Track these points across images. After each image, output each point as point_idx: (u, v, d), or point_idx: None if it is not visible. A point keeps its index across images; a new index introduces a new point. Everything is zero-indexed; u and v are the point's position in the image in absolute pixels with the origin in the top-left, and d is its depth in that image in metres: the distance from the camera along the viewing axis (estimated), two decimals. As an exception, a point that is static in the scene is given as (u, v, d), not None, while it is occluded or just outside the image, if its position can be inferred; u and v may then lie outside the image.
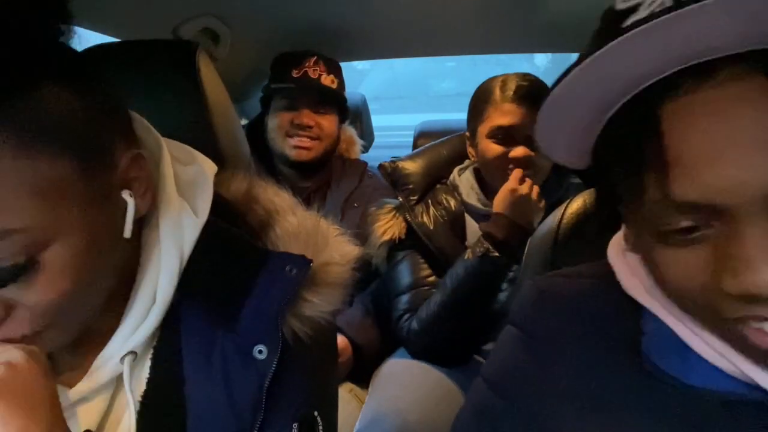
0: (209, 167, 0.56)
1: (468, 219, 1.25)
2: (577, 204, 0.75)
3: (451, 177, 1.30)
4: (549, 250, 0.75)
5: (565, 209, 0.76)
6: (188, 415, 0.48)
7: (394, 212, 1.26)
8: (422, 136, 2.00)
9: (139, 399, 0.49)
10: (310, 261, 0.52)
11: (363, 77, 4.71)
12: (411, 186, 1.29)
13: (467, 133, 1.26)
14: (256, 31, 1.48)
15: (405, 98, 4.78)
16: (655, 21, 0.32)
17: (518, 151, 1.13)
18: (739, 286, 0.34)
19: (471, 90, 1.25)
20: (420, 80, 5.01)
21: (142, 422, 0.48)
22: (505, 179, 1.15)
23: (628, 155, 0.38)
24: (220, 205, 0.55)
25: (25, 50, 0.39)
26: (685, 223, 0.36)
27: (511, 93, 1.14)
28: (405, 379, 1.17)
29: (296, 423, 0.50)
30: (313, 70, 1.43)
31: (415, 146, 1.98)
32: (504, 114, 1.14)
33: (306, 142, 1.44)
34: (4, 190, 0.38)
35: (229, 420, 0.48)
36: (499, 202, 1.12)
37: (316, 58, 1.44)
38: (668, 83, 0.36)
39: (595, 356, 0.48)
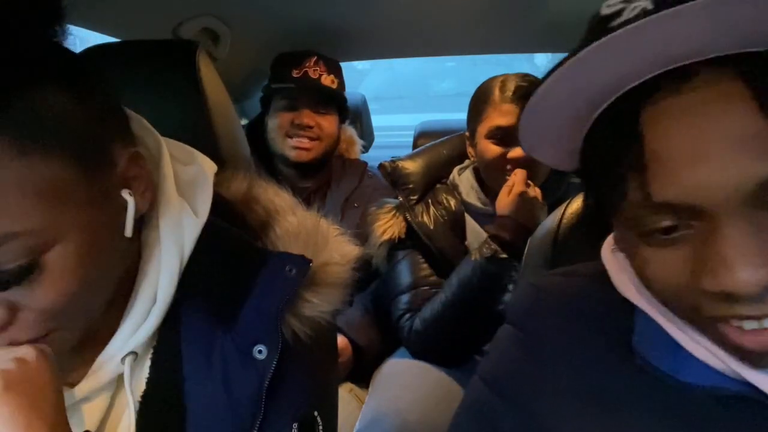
0: (209, 167, 0.56)
1: (468, 219, 1.25)
2: (577, 204, 0.75)
3: (451, 177, 1.30)
4: (549, 250, 0.75)
5: (565, 209, 0.76)
6: (188, 415, 0.48)
7: (394, 212, 1.26)
8: (422, 136, 2.00)
9: (139, 399, 0.49)
10: (310, 261, 0.52)
11: (363, 77, 4.71)
12: (411, 186, 1.29)
13: (467, 133, 1.26)
14: (256, 31, 1.48)
15: (405, 98, 4.78)
16: (630, 25, 0.33)
17: (517, 152, 1.13)
18: (717, 284, 0.35)
19: (471, 90, 1.25)
20: (420, 80, 5.00)
21: (141, 422, 0.48)
22: (503, 179, 1.16)
23: (610, 157, 0.39)
24: (220, 205, 0.55)
25: (21, 52, 0.39)
26: (666, 223, 0.37)
27: (511, 93, 1.14)
28: (405, 379, 1.17)
29: (296, 423, 0.50)
30: (314, 70, 1.43)
31: (415, 146, 1.98)
32: (503, 114, 1.14)
33: (306, 142, 1.44)
34: (5, 192, 0.38)
35: (229, 420, 0.48)
36: (505, 204, 1.12)
37: (316, 58, 1.44)
38: (648, 87, 0.37)
39: (590, 354, 0.48)
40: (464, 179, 1.27)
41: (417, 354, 1.21)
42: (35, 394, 0.41)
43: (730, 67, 0.35)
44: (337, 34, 1.54)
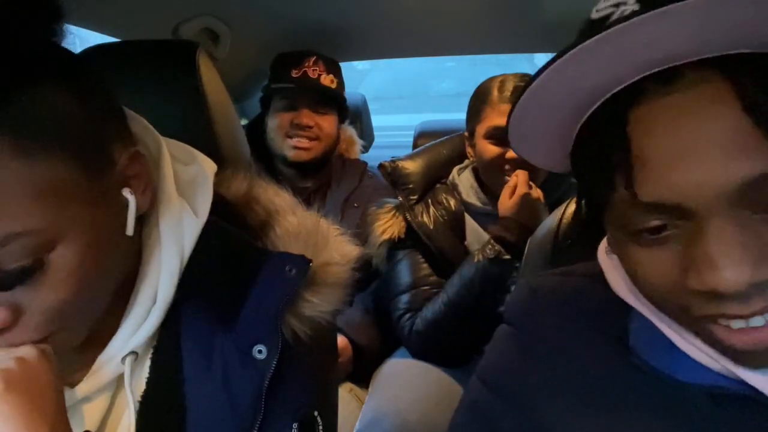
0: (209, 167, 0.56)
1: (468, 218, 1.25)
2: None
3: (451, 176, 1.30)
4: (549, 250, 0.75)
5: (565, 209, 0.76)
6: (188, 414, 0.48)
7: (393, 212, 1.26)
8: (422, 136, 2.00)
9: (139, 399, 0.49)
10: (310, 261, 0.52)
11: (363, 77, 4.71)
12: (411, 186, 1.29)
13: (466, 133, 1.27)
14: (256, 31, 1.48)
15: (405, 98, 4.78)
16: (616, 26, 0.33)
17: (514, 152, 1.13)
18: (703, 283, 0.36)
19: (471, 90, 1.25)
20: (420, 80, 5.00)
21: (141, 422, 0.48)
22: (502, 179, 1.16)
23: (599, 157, 0.40)
24: (220, 205, 0.55)
25: (20, 51, 0.39)
26: (653, 223, 0.38)
27: (509, 94, 1.15)
28: (405, 379, 1.17)
29: (296, 423, 0.50)
30: (313, 69, 1.43)
31: (415, 146, 1.98)
32: (501, 114, 1.14)
33: (305, 142, 1.44)
34: (6, 193, 0.38)
35: (229, 420, 0.48)
36: (508, 205, 1.12)
37: (315, 57, 1.44)
38: (635, 89, 0.38)
39: (588, 353, 0.49)
40: (464, 179, 1.27)
41: (417, 354, 1.21)
42: (36, 394, 0.41)
43: (715, 68, 0.35)
44: (337, 34, 1.54)
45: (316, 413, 0.52)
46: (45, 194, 0.39)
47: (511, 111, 0.42)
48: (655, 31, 0.33)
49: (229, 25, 1.36)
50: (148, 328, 0.49)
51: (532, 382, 0.50)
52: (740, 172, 0.34)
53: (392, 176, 1.32)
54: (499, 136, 1.15)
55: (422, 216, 1.24)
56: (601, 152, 0.40)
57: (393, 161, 1.33)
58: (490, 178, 1.21)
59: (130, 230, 0.46)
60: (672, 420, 0.43)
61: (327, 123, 1.47)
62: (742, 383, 0.41)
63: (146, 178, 0.49)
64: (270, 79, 1.47)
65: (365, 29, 1.56)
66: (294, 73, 1.42)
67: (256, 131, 1.52)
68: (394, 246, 1.25)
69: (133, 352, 0.49)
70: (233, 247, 0.53)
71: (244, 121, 1.72)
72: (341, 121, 1.56)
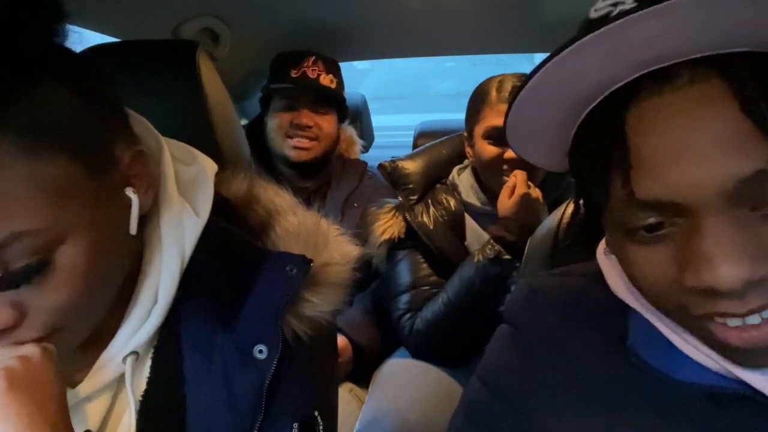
0: (210, 167, 0.56)
1: (468, 219, 1.25)
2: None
3: (451, 177, 1.30)
4: (549, 249, 0.75)
5: (564, 209, 0.76)
6: (188, 414, 0.48)
7: (393, 212, 1.26)
8: (422, 136, 1.99)
9: (140, 398, 0.49)
10: (311, 261, 0.52)
11: (363, 77, 4.71)
12: (411, 186, 1.29)
13: (465, 134, 1.27)
14: (256, 31, 1.48)
15: (405, 98, 4.78)
16: (612, 24, 0.33)
17: (513, 152, 1.13)
18: (700, 281, 0.36)
19: (471, 90, 1.25)
20: (420, 80, 5.00)
21: (142, 421, 0.48)
22: (500, 179, 1.16)
23: (596, 156, 0.40)
24: (221, 205, 0.56)
25: (23, 51, 0.39)
26: (650, 221, 0.38)
27: (507, 94, 1.15)
28: (405, 379, 1.17)
29: (296, 423, 0.50)
30: (312, 69, 1.43)
31: (415, 146, 1.97)
32: (499, 115, 1.14)
33: (305, 142, 1.44)
34: (10, 192, 0.38)
35: (230, 420, 0.48)
36: (508, 205, 1.12)
37: (314, 57, 1.44)
38: (633, 87, 0.38)
39: (587, 353, 0.49)
40: (464, 179, 1.27)
41: (417, 354, 1.21)
42: (39, 393, 0.41)
43: (712, 67, 0.35)
44: (337, 34, 1.54)
45: (316, 413, 0.52)
46: (49, 193, 0.39)
47: (509, 109, 0.42)
48: (652, 28, 0.34)
49: (229, 25, 1.36)
50: (149, 328, 0.49)
51: (532, 381, 0.50)
52: (737, 170, 0.34)
53: (392, 176, 1.32)
54: (497, 136, 1.15)
55: (422, 216, 1.24)
56: (598, 151, 0.40)
57: (393, 161, 1.33)
58: (488, 178, 1.21)
59: (133, 229, 0.47)
60: (671, 420, 0.43)
61: (327, 123, 1.47)
62: (741, 383, 0.41)
63: (149, 177, 0.49)
64: (269, 79, 1.47)
65: (365, 29, 1.56)
66: (293, 73, 1.42)
67: (256, 131, 1.52)
68: (394, 246, 1.25)
69: (134, 352, 0.49)
70: (234, 247, 0.53)
71: (244, 121, 1.71)
72: (341, 121, 1.55)
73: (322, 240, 0.56)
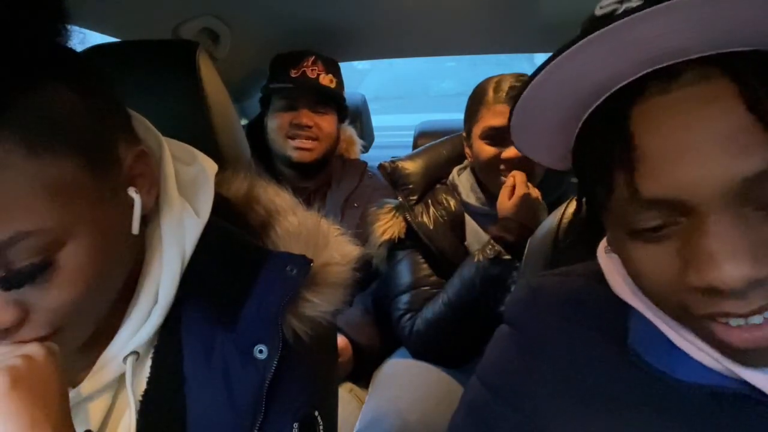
0: (210, 167, 0.56)
1: (468, 219, 1.25)
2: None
3: (451, 177, 1.30)
4: (549, 249, 0.75)
5: (565, 209, 0.76)
6: (188, 414, 0.48)
7: (393, 212, 1.26)
8: (422, 136, 1.99)
9: (140, 398, 0.49)
10: (311, 261, 0.52)
11: (363, 77, 4.71)
12: (411, 186, 1.29)
13: (464, 134, 1.27)
14: (256, 31, 1.48)
15: (405, 98, 4.78)
16: (618, 22, 0.33)
17: (510, 152, 1.14)
18: (703, 279, 0.36)
19: (471, 90, 1.25)
20: (420, 80, 5.00)
21: (142, 421, 0.48)
22: (497, 180, 1.16)
23: (600, 154, 0.40)
24: (221, 205, 0.56)
25: (24, 51, 0.39)
26: (654, 220, 0.38)
27: (504, 94, 1.15)
28: (405, 379, 1.17)
29: (297, 423, 0.50)
30: (312, 69, 1.43)
31: (415, 146, 1.97)
32: (496, 115, 1.14)
33: (307, 143, 1.43)
34: (16, 192, 0.38)
35: (230, 420, 0.48)
36: (508, 206, 1.12)
37: (314, 57, 1.44)
38: (637, 86, 0.38)
39: (587, 353, 0.49)
40: (464, 179, 1.27)
41: (418, 354, 1.21)
42: (41, 392, 0.41)
43: (717, 66, 0.35)
44: (337, 34, 1.54)
45: (316, 413, 0.52)
46: (53, 193, 0.39)
47: (513, 107, 0.42)
48: (659, 27, 0.33)
49: (229, 25, 1.36)
50: (150, 328, 0.49)
51: (532, 382, 0.50)
52: (742, 169, 0.34)
53: (392, 176, 1.32)
54: (494, 136, 1.15)
55: (422, 216, 1.24)
56: (602, 149, 0.40)
57: (393, 161, 1.34)
58: (486, 178, 1.21)
59: (135, 229, 0.47)
60: (672, 419, 0.43)
61: (326, 123, 1.47)
62: (743, 383, 0.41)
63: (151, 177, 0.49)
64: (269, 79, 1.47)
65: (365, 29, 1.56)
66: (293, 73, 1.42)
67: (256, 131, 1.52)
68: (394, 246, 1.25)
69: (135, 352, 0.49)
70: (234, 247, 0.53)
71: (244, 121, 1.71)
72: (341, 120, 1.55)
73: (322, 240, 0.56)
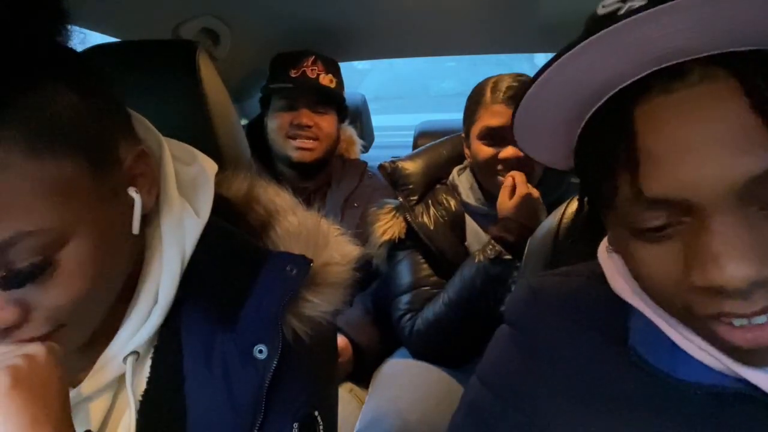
0: (210, 167, 0.56)
1: (468, 219, 1.25)
2: (577, 203, 0.75)
3: (451, 177, 1.30)
4: (549, 250, 0.75)
5: (565, 209, 0.76)
6: (188, 414, 0.48)
7: (394, 212, 1.26)
8: (422, 136, 1.99)
9: (140, 398, 0.49)
10: (311, 261, 0.52)
11: (363, 77, 4.72)
12: (411, 186, 1.29)
13: (462, 134, 1.27)
14: (256, 31, 1.48)
15: (405, 98, 4.79)
16: (621, 22, 0.33)
17: (508, 152, 1.14)
18: (706, 279, 0.35)
19: (470, 90, 1.26)
20: (420, 80, 5.01)
21: (142, 421, 0.48)
22: (495, 180, 1.16)
23: (603, 154, 0.40)
24: (221, 205, 0.56)
25: (24, 51, 0.39)
26: (657, 219, 0.38)
27: (501, 94, 1.15)
28: (405, 379, 1.17)
29: (296, 423, 0.50)
30: (312, 69, 1.43)
31: (415, 146, 1.97)
32: (493, 115, 1.14)
33: (308, 143, 1.44)
34: (17, 192, 0.38)
35: (230, 420, 0.48)
36: (508, 206, 1.12)
37: (314, 57, 1.44)
38: (642, 85, 0.37)
39: (588, 353, 0.49)
40: (463, 180, 1.27)
41: (418, 354, 1.21)
42: (42, 392, 0.41)
43: (721, 65, 0.35)
44: (337, 34, 1.54)
45: (316, 413, 0.52)
46: (54, 193, 0.39)
47: (516, 107, 0.42)
48: (662, 26, 0.33)
49: (229, 25, 1.36)
50: (150, 328, 0.49)
51: (532, 382, 0.50)
52: (747, 169, 0.34)
53: (392, 176, 1.32)
54: (492, 136, 1.16)
55: (422, 216, 1.24)
56: (605, 148, 0.39)
57: (393, 161, 1.34)
58: (484, 178, 1.21)
59: (136, 229, 0.47)
60: (673, 419, 0.43)
61: (326, 123, 1.47)
62: (744, 382, 0.40)
63: (151, 177, 0.49)
64: (269, 79, 1.47)
65: (365, 29, 1.56)
66: (293, 73, 1.42)
67: (256, 131, 1.52)
68: (394, 247, 1.25)
69: (135, 352, 0.49)
70: (234, 247, 0.53)
71: (244, 121, 1.71)
72: (341, 120, 1.55)
73: (322, 240, 0.56)
